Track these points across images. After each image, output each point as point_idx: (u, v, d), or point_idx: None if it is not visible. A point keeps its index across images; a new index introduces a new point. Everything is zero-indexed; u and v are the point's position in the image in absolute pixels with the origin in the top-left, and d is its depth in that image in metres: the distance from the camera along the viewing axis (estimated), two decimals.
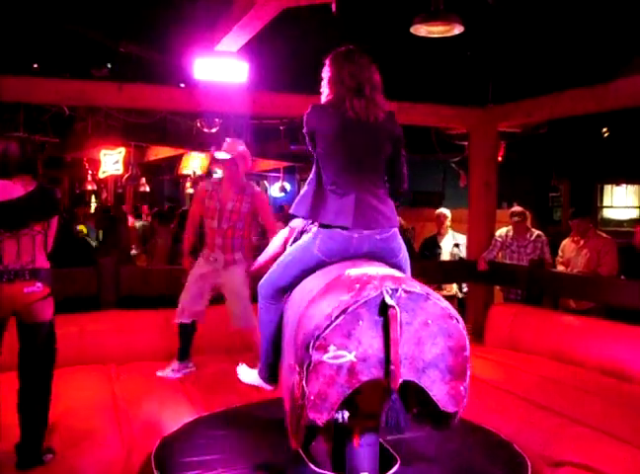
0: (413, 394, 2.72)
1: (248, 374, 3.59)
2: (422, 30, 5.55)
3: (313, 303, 2.70)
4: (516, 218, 6.95)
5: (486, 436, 3.77)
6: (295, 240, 3.44)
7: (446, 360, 2.60)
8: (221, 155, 5.18)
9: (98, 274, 5.86)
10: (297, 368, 2.57)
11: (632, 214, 14.01)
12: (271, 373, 3.39)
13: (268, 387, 3.46)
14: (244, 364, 3.69)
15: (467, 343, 2.64)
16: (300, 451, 3.19)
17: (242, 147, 5.18)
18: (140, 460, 3.53)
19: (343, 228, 3.01)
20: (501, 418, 4.09)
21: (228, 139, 5.38)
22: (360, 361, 2.50)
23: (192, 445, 3.43)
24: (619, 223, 13.82)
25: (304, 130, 3.11)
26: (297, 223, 3.57)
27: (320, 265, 3.08)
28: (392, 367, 2.49)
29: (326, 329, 2.47)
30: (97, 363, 5.19)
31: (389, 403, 2.59)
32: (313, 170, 3.15)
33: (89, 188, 14.23)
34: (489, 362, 5.44)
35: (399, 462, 3.14)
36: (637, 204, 14.07)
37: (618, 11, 6.05)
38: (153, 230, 8.87)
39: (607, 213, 14.45)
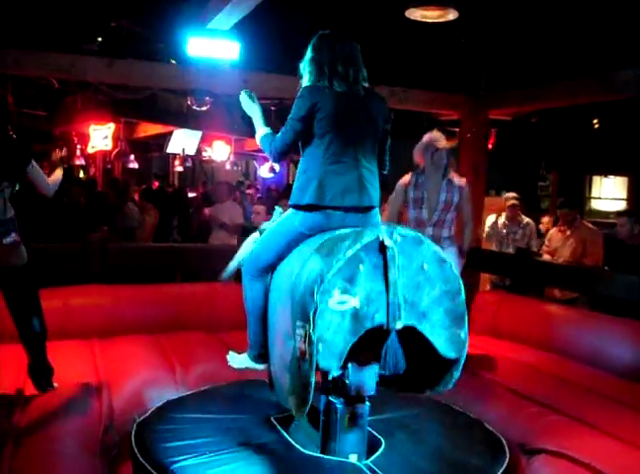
0: (413, 346, 2.78)
1: (238, 359, 3.56)
2: (416, 14, 5.54)
3: (308, 261, 2.74)
4: (513, 202, 7.04)
5: (465, 420, 3.80)
6: None
7: (444, 305, 2.69)
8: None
9: (85, 249, 5.83)
10: (301, 323, 2.60)
11: (619, 206, 14.06)
12: (260, 352, 3.38)
13: (259, 367, 3.45)
14: (233, 351, 3.66)
15: (462, 287, 2.74)
16: (286, 434, 3.21)
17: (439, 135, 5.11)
18: (119, 436, 3.54)
19: (343, 208, 3.04)
20: (480, 404, 4.12)
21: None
22: (363, 306, 2.56)
23: (176, 429, 3.39)
24: (606, 215, 13.86)
25: (302, 113, 3.08)
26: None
27: (302, 238, 3.11)
28: (391, 307, 2.58)
29: (329, 272, 2.54)
30: (81, 337, 5.18)
31: (388, 343, 2.68)
32: (308, 153, 3.14)
33: (77, 163, 14.12)
34: (472, 349, 5.45)
35: (384, 444, 3.16)
36: (625, 196, 14.12)
37: (614, 5, 6.05)
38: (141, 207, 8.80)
39: (595, 204, 14.51)
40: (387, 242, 2.60)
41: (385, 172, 3.39)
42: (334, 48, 3.17)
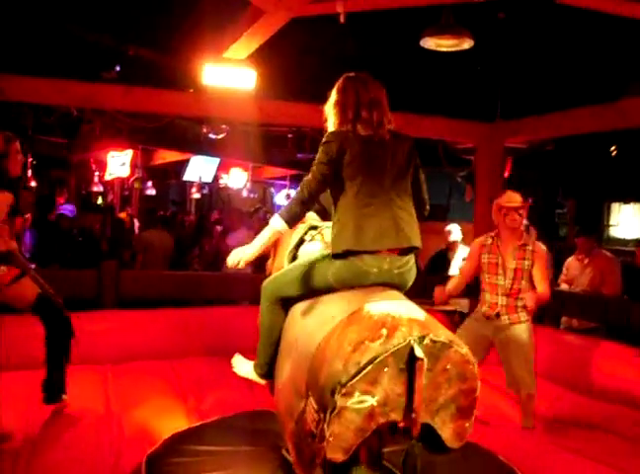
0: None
1: (243, 366, 3.54)
2: (431, 43, 5.53)
3: (334, 339, 2.68)
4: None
5: (475, 451, 3.72)
6: (298, 245, 3.40)
7: (458, 402, 2.64)
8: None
9: (99, 276, 5.85)
10: (316, 407, 2.58)
11: (639, 234, 13.95)
12: (266, 371, 3.37)
13: (261, 382, 3.44)
14: (239, 355, 3.63)
15: (479, 385, 2.69)
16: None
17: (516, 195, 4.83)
18: (129, 467, 3.50)
19: (378, 252, 2.99)
20: (491, 440, 4.00)
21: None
22: (380, 406, 2.51)
23: (187, 462, 3.33)
24: (625, 242, 13.74)
25: (329, 157, 3.02)
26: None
27: (330, 290, 3.08)
28: (414, 415, 2.52)
29: (354, 377, 2.48)
30: (94, 363, 5.15)
31: (408, 448, 2.63)
32: (339, 199, 3.08)
33: (95, 189, 14.23)
34: (484, 381, 5.37)
35: None
36: None
37: (627, 33, 6.04)
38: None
39: (614, 232, 14.38)
40: (418, 353, 2.51)
41: (426, 210, 3.35)
42: (358, 92, 3.13)
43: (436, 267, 8.09)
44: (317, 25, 5.44)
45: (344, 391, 2.47)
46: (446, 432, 2.64)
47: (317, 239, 3.24)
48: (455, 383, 2.62)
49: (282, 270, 3.36)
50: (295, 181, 17.02)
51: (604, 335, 6.51)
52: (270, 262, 3.69)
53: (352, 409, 2.48)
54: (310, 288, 3.14)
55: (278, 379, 3.21)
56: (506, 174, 8.27)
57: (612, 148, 10.91)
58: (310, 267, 3.17)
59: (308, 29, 5.71)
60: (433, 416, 2.60)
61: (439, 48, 5.56)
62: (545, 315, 6.59)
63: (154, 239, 8.08)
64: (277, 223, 3.08)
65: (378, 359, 2.49)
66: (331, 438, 2.48)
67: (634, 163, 11.52)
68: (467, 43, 5.50)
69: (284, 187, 17.18)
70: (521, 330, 4.67)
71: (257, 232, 3.31)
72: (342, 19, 4.38)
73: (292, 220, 3.10)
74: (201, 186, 15.32)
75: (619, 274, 6.53)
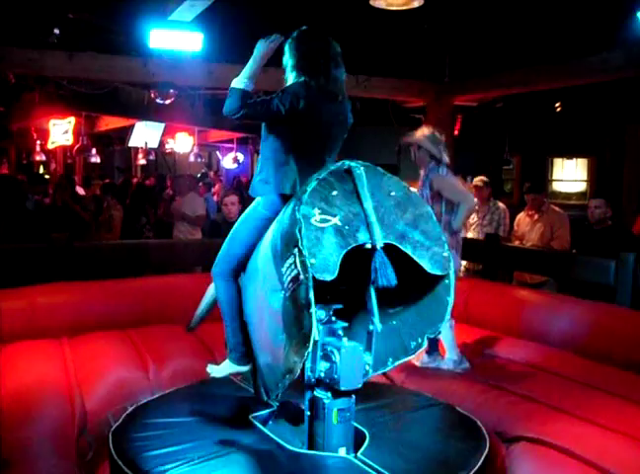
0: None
1: (219, 369, 3.49)
2: (381, 2, 5.50)
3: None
4: (480, 183, 7.03)
5: (438, 405, 3.80)
6: None
7: (420, 227, 2.84)
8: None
9: (51, 249, 5.71)
10: (288, 254, 2.66)
11: (580, 187, 14.26)
12: (242, 352, 3.35)
13: (243, 369, 3.40)
14: (210, 364, 3.56)
15: (431, 211, 2.92)
16: (269, 432, 3.17)
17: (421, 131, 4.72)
18: (94, 440, 3.47)
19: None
20: (455, 394, 4.09)
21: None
22: (343, 225, 2.68)
23: (156, 436, 3.24)
24: (568, 196, 14.04)
25: (290, 106, 3.01)
26: None
27: (268, 222, 3.14)
28: (371, 226, 2.70)
29: (304, 194, 2.68)
30: (50, 337, 5.06)
31: (376, 264, 2.74)
32: (282, 144, 3.14)
33: (37, 158, 13.87)
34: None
35: (368, 435, 3.16)
36: (586, 178, 14.30)
37: None
38: (106, 203, 8.67)
39: (557, 186, 14.66)
40: (353, 164, 2.77)
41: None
42: (326, 48, 3.17)
43: None
44: None
45: (302, 209, 2.63)
46: (423, 259, 2.82)
47: None
48: (407, 208, 2.84)
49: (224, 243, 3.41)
50: (242, 144, 16.87)
51: (555, 288, 6.70)
52: None
53: (318, 227, 2.63)
54: (253, 232, 3.21)
55: (257, 347, 3.22)
56: (456, 132, 8.34)
57: (557, 104, 11.08)
58: (243, 217, 3.31)
59: None
60: (399, 240, 2.79)
61: (389, 7, 5.53)
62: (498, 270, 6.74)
63: None
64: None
65: (321, 176, 2.74)
66: (313, 260, 2.56)
67: (576, 119, 11.72)
68: (417, 2, 5.49)
69: (232, 150, 17.01)
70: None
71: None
72: None
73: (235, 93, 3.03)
74: (147, 152, 15.06)
75: (568, 228, 6.68)
